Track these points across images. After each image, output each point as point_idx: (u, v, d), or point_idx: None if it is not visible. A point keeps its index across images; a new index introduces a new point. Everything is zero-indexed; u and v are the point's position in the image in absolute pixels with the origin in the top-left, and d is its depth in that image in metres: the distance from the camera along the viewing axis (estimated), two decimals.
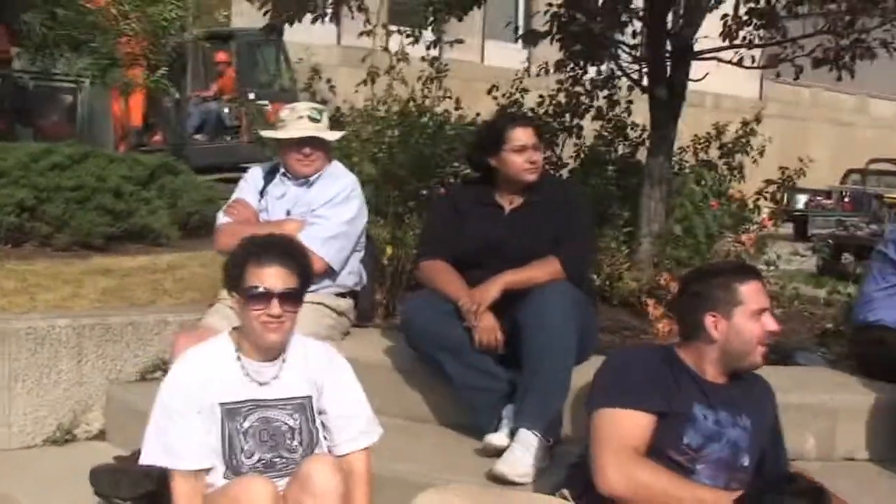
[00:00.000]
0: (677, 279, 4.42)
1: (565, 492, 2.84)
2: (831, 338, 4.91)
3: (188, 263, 6.30)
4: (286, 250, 2.95)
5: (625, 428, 2.72)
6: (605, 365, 2.97)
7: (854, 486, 3.21)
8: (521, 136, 3.92)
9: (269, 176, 4.35)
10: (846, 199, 20.49)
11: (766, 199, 6.53)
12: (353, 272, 4.31)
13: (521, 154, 3.91)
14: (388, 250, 5.22)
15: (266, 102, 13.41)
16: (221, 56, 14.14)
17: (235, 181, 6.34)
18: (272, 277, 2.83)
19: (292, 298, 2.87)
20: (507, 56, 9.96)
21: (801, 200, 19.59)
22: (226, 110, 13.92)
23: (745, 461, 2.81)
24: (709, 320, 2.83)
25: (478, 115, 6.26)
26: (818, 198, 20.34)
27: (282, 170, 4.29)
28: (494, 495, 3.01)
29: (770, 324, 2.85)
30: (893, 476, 3.63)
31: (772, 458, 2.93)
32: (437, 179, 5.97)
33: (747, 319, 2.82)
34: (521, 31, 7.36)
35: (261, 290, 2.82)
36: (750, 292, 2.84)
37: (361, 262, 4.39)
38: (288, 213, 4.20)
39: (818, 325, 5.28)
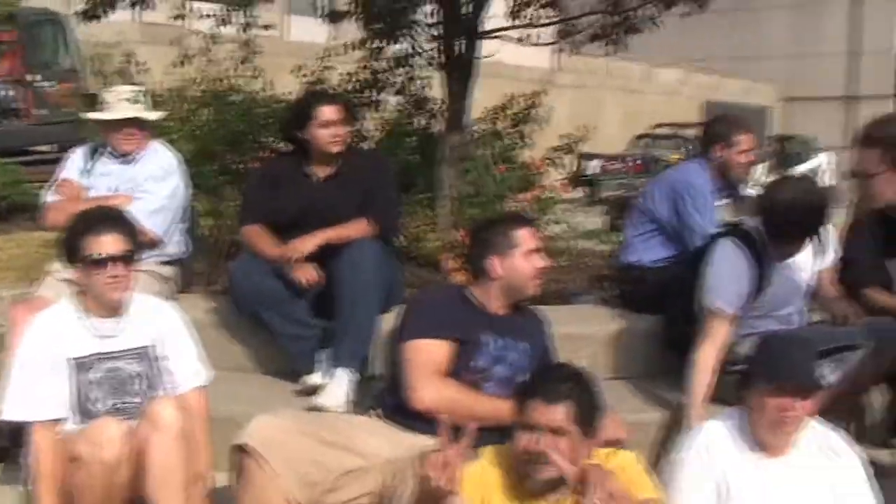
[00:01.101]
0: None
1: (378, 411, 3.36)
2: (606, 281, 5.61)
3: (4, 245, 6.43)
4: (117, 219, 3.36)
5: (430, 354, 3.23)
6: (410, 304, 3.50)
7: (616, 400, 3.79)
8: (327, 112, 4.36)
9: (92, 155, 4.64)
10: (635, 163, 21.76)
11: (554, 164, 7.20)
12: (178, 242, 4.65)
13: (326, 128, 4.36)
14: (208, 222, 5.56)
15: (53, 83, 13.23)
16: (5, 36, 13.68)
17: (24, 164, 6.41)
18: (109, 244, 3.23)
19: (128, 260, 3.28)
20: (310, 31, 10.24)
21: (593, 166, 20.70)
22: (11, 92, 13.54)
23: (524, 379, 3.34)
24: (491, 262, 3.38)
25: (289, 93, 6.63)
26: (610, 162, 21.52)
27: (106, 149, 4.59)
28: (317, 416, 3.50)
29: (540, 261, 3.42)
30: (647, 390, 4.31)
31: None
32: (252, 154, 6.33)
33: (523, 259, 3.37)
34: (324, 9, 7.69)
35: (101, 256, 3.22)
36: (524, 236, 3.40)
37: (186, 232, 4.75)
38: (115, 189, 4.51)
39: (596, 273, 5.98)
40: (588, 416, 2.69)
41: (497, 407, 3.14)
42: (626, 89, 30.46)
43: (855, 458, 2.90)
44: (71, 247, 3.30)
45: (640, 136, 24.68)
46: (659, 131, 24.79)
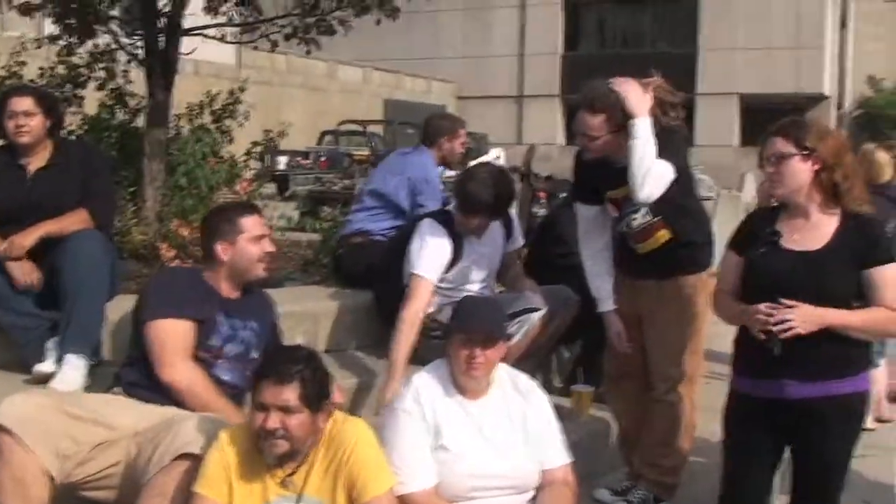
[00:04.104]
0: (188, 223, 5.27)
1: (118, 389, 3.56)
2: (313, 266, 6.02)
3: None
4: None
5: (175, 333, 3.49)
6: (151, 286, 3.73)
7: (333, 369, 4.14)
8: (13, 104, 4.42)
9: None
10: (322, 159, 22.36)
11: (255, 158, 7.51)
12: None
13: (11, 119, 4.40)
14: None
15: None
16: None
17: None
18: None
19: None
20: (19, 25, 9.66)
21: (283, 161, 21.05)
22: None
23: (255, 355, 3.66)
24: (218, 247, 3.66)
25: None
26: (298, 158, 21.95)
27: None
28: (67, 393, 3.65)
29: (267, 246, 3.74)
30: (359, 359, 4.80)
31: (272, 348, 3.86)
32: None
33: (248, 244, 3.67)
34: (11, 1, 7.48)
35: None
36: (249, 223, 3.70)
37: None
38: None
39: (301, 261, 6.37)
40: (316, 394, 2.98)
41: (227, 411, 3.43)
42: (309, 86, 30.96)
43: (542, 396, 3.49)
44: None
45: (325, 133, 25.29)
46: (344, 128, 25.51)
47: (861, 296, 3.27)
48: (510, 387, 3.43)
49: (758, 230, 3.40)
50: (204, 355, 3.57)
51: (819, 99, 34.56)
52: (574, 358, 5.29)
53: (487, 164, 4.80)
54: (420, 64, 36.83)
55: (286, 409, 2.91)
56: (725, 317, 3.48)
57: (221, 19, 7.41)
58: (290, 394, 2.92)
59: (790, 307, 3.13)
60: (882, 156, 5.99)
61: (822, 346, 3.17)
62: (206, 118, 7.32)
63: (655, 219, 4.11)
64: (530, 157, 8.81)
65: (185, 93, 7.46)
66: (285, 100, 28.77)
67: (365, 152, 22.88)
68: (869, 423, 5.46)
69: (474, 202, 4.45)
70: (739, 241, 3.46)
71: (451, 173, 6.27)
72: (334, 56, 28.15)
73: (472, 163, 6.37)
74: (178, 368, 3.46)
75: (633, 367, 4.34)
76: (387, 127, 26.44)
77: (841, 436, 3.33)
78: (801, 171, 3.25)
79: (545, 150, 32.09)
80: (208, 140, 6.63)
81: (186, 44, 6.88)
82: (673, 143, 3.94)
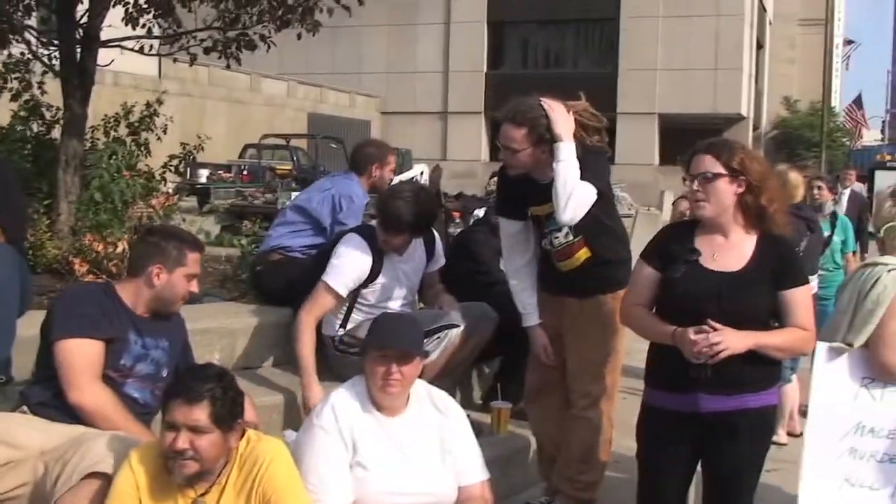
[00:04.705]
0: (102, 238, 5.16)
1: (25, 408, 3.46)
2: (231, 282, 5.94)
3: None
4: None
5: (84, 354, 3.39)
6: (59, 303, 3.61)
7: (249, 387, 4.14)
8: None
9: None
10: (244, 172, 22.15)
11: (171, 171, 7.40)
12: None
13: None
14: None
15: None
16: None
17: None
18: None
19: None
20: None
21: (204, 174, 20.78)
22: None
23: (165, 374, 3.60)
24: (154, 269, 3.55)
25: None
26: (219, 171, 21.70)
27: None
28: None
29: (194, 287, 3.67)
30: (276, 377, 4.72)
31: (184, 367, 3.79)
32: None
33: (182, 279, 3.59)
34: None
35: None
36: (192, 260, 3.61)
37: None
38: None
39: (220, 276, 6.29)
40: (227, 414, 2.93)
41: (136, 433, 3.35)
42: (232, 99, 30.69)
43: (460, 413, 3.49)
44: None
45: (248, 146, 25.09)
46: (267, 142, 25.33)
47: (778, 315, 3.34)
48: (428, 403, 3.42)
49: (674, 245, 3.42)
50: (114, 374, 3.49)
51: (737, 119, 35.39)
52: (494, 374, 5.31)
53: (411, 181, 4.80)
54: (344, 78, 36.78)
55: (196, 429, 2.87)
56: (643, 332, 3.50)
57: (141, 31, 7.30)
58: (199, 413, 2.87)
59: (717, 330, 3.16)
60: (794, 176, 6.14)
61: (737, 362, 3.22)
62: (122, 130, 7.19)
63: (576, 238, 4.16)
64: (437, 177, 8.85)
65: (104, 104, 7.34)
66: (208, 112, 28.48)
67: (288, 166, 22.78)
68: (781, 437, 5.60)
69: (396, 220, 4.46)
70: (654, 256, 3.46)
71: None
72: (257, 69, 27.95)
73: (396, 178, 6.38)
74: (87, 390, 3.37)
75: (552, 383, 4.36)
76: (310, 141, 26.34)
77: (751, 448, 3.40)
78: (726, 191, 3.30)
79: (469, 166, 32.41)
80: (124, 153, 6.51)
81: (104, 55, 6.77)
82: (596, 164, 4.00)
